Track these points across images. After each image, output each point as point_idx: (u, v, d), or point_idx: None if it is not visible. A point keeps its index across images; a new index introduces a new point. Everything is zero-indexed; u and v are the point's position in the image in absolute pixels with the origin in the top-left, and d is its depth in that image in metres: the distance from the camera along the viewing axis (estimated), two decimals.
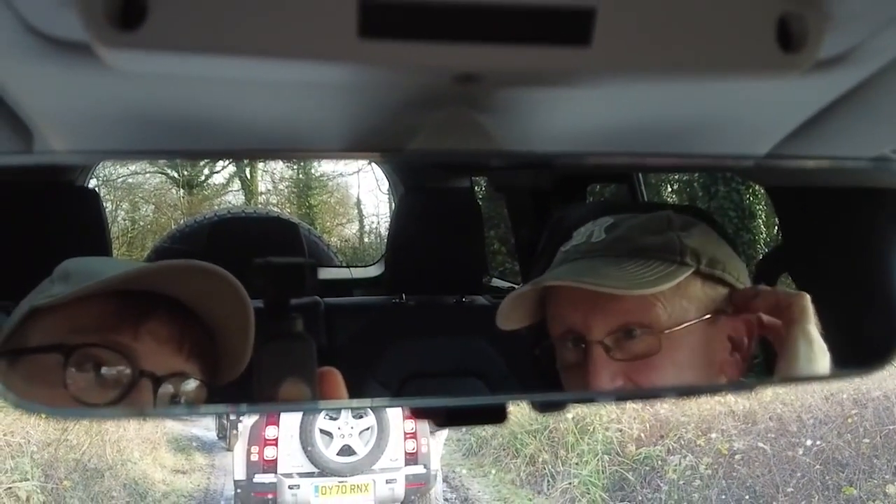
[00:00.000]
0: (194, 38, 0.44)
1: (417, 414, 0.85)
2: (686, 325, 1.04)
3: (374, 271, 2.98)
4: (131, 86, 0.54)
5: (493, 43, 0.47)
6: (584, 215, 1.21)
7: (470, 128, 0.60)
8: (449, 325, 2.18)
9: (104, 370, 0.89)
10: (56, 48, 0.50)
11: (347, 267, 3.38)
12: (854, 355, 1.20)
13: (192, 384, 0.94)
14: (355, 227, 20.00)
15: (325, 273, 2.93)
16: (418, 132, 0.61)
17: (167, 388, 0.92)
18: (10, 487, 6.40)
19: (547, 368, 1.14)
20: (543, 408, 0.73)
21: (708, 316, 1.07)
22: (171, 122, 0.61)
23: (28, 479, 6.54)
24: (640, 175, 2.28)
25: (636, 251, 1.07)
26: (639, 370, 1.03)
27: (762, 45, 0.49)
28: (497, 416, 0.80)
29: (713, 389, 1.36)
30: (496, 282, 2.65)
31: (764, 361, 1.49)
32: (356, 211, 20.04)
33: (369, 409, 6.31)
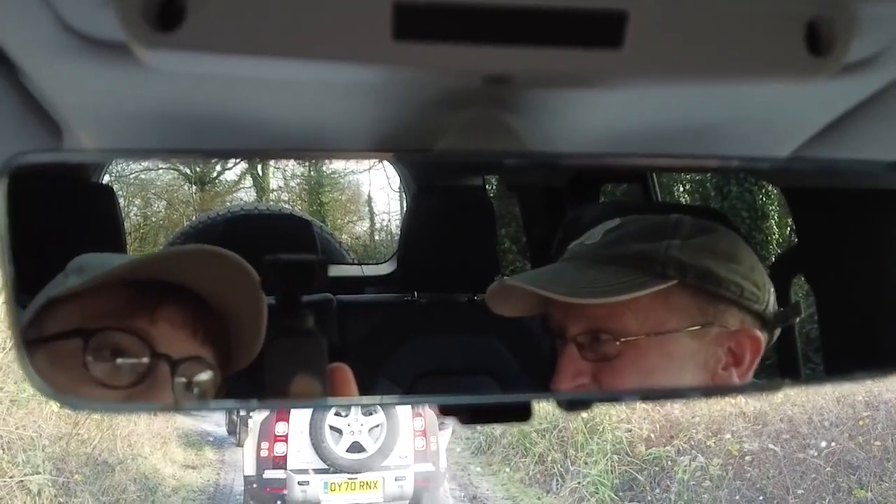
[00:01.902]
0: (232, 39, 0.45)
1: (444, 411, 0.85)
2: (657, 334, 1.05)
3: (385, 269, 2.98)
4: (166, 85, 0.54)
5: (526, 45, 0.47)
6: (598, 216, 1.21)
7: (496, 127, 0.60)
8: (461, 324, 2.18)
9: (123, 354, 0.91)
10: (92, 47, 0.50)
11: (359, 264, 3.39)
12: (869, 358, 1.20)
13: (206, 372, 0.96)
14: (366, 224, 20.03)
15: (337, 270, 2.93)
16: (445, 132, 0.61)
17: (184, 374, 0.93)
18: (21, 481, 6.44)
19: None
20: (570, 406, 0.73)
21: (696, 328, 1.06)
22: (205, 121, 0.62)
23: (40, 473, 6.58)
24: (654, 175, 2.27)
25: (616, 258, 1.07)
26: (602, 372, 1.05)
27: (791, 49, 0.50)
28: (521, 413, 0.80)
29: (730, 391, 1.36)
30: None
31: (777, 363, 1.49)
32: (367, 208, 20.06)
33: (379, 406, 6.31)
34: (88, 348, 0.89)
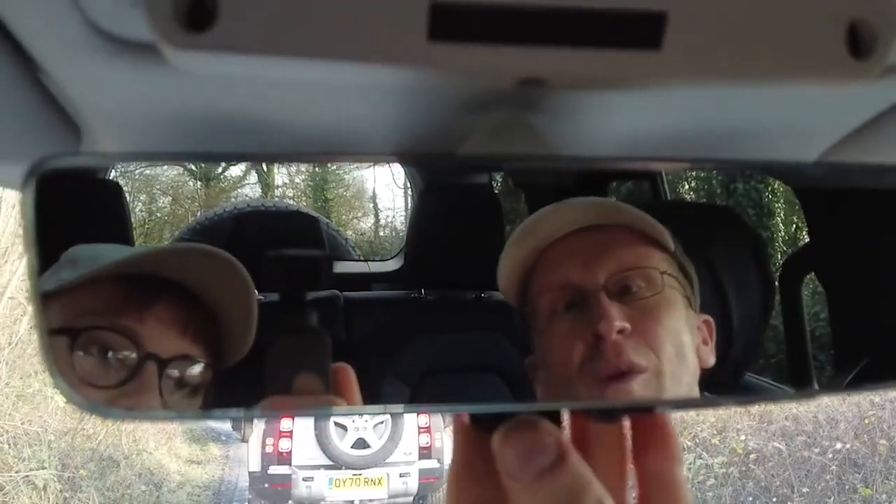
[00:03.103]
0: (264, 40, 0.44)
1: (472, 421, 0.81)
2: (675, 279, 1.06)
3: (392, 265, 2.97)
4: (193, 86, 0.53)
5: (562, 46, 0.46)
6: None
7: (522, 130, 0.59)
8: (468, 321, 2.17)
9: (110, 353, 0.91)
10: (120, 47, 0.50)
11: (365, 261, 3.38)
12: (885, 363, 1.19)
13: (197, 367, 0.95)
14: (371, 220, 20.00)
15: (343, 267, 2.92)
16: (468, 134, 0.60)
17: (173, 371, 0.93)
18: (27, 476, 6.45)
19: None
20: (601, 416, 0.70)
21: (687, 296, 1.09)
22: (230, 123, 0.61)
23: (45, 468, 6.59)
24: (664, 173, 2.26)
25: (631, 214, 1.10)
26: (639, 314, 1.02)
27: (833, 51, 0.49)
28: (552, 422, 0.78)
29: (747, 401, 1.36)
30: None
31: (788, 366, 1.48)
32: (372, 205, 20.04)
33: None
34: (75, 347, 0.89)
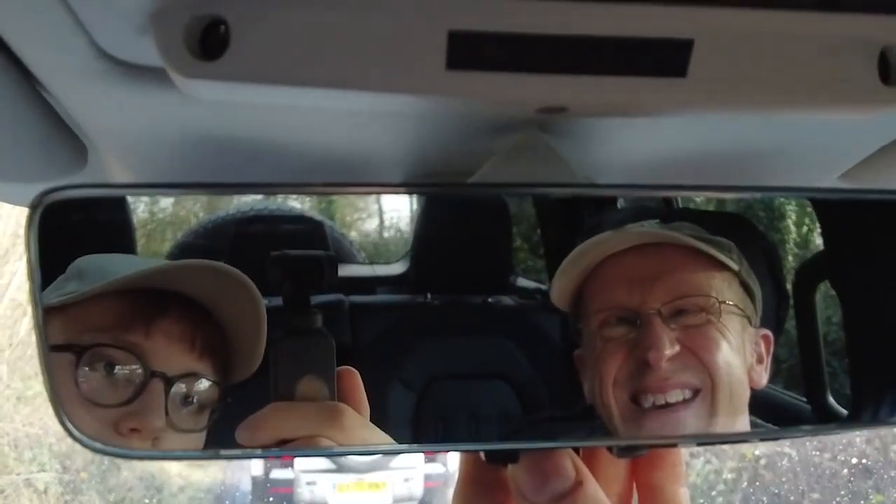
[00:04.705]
0: (277, 69, 0.42)
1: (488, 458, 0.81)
2: (734, 304, 1.05)
3: (397, 269, 2.95)
4: (202, 112, 0.52)
5: (585, 74, 0.45)
6: (622, 219, 1.20)
7: (542, 154, 0.58)
8: (475, 326, 2.15)
9: (116, 370, 0.90)
10: (128, 72, 0.49)
11: (370, 264, 3.36)
12: None
13: (204, 384, 0.94)
14: (375, 221, 20.02)
15: (348, 270, 2.90)
16: (486, 157, 0.59)
17: (179, 388, 0.92)
18: (28, 479, 6.45)
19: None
20: (622, 452, 0.69)
21: (747, 317, 1.09)
22: (239, 149, 0.59)
23: (46, 471, 6.59)
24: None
25: (695, 238, 1.10)
26: (693, 337, 1.02)
27: (864, 79, 0.48)
28: None
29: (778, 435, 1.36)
30: (522, 282, 2.62)
31: (802, 376, 1.46)
32: (376, 206, 20.06)
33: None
34: (80, 364, 0.88)
